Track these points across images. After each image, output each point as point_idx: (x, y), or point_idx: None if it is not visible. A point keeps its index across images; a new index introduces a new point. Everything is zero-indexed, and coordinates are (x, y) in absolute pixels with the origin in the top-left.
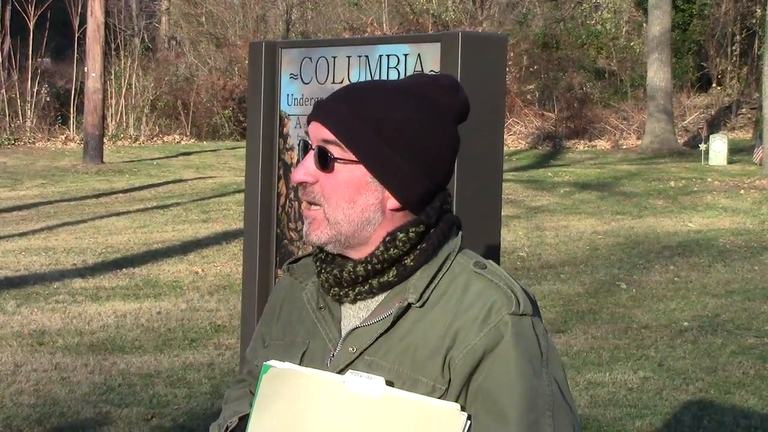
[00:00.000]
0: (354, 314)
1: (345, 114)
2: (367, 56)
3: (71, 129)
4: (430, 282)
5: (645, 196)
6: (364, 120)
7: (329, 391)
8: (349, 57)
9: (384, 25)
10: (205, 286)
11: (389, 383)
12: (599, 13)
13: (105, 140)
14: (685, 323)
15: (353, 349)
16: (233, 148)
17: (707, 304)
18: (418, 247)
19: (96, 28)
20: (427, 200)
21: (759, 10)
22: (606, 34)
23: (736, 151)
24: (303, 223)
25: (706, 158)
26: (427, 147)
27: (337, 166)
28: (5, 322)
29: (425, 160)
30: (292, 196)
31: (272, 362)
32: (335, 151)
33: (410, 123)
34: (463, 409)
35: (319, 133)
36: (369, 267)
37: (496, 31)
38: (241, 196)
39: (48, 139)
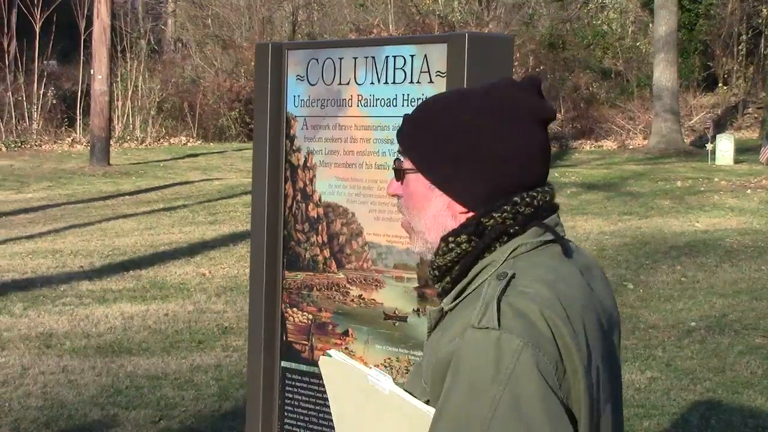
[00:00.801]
0: None
1: (406, 126)
2: (373, 57)
3: (78, 131)
4: (463, 290)
5: (652, 196)
6: (420, 130)
7: (361, 383)
8: (355, 58)
9: (390, 26)
10: (212, 288)
11: (408, 392)
12: (605, 13)
13: (111, 142)
14: (693, 323)
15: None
16: (240, 150)
17: (714, 304)
18: (465, 255)
19: (102, 30)
20: (503, 200)
21: (765, 10)
22: (612, 34)
23: (743, 151)
24: (308, 226)
25: (713, 158)
26: (489, 150)
27: (406, 176)
28: (13, 324)
29: (487, 163)
30: (299, 197)
31: (331, 351)
32: (404, 163)
33: (467, 127)
34: None
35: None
36: (430, 272)
37: (503, 32)
38: (247, 198)
39: (54, 142)
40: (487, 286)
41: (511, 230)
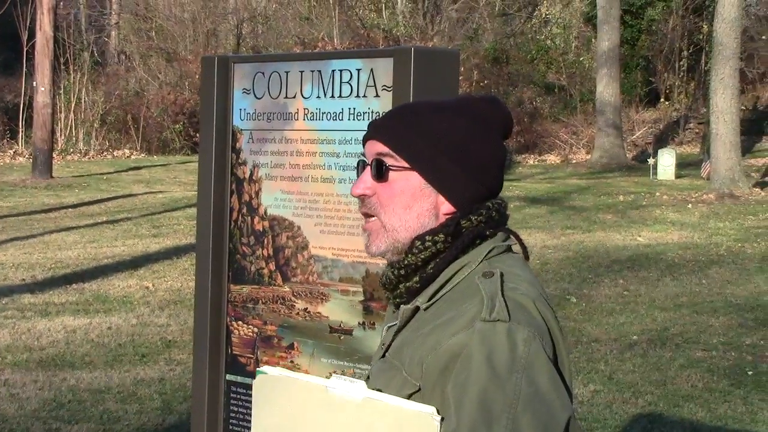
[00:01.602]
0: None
1: (396, 127)
2: (320, 71)
3: (20, 143)
4: (440, 288)
5: (594, 211)
6: (414, 130)
7: (315, 396)
8: (302, 72)
9: (335, 39)
10: (156, 301)
11: (376, 389)
12: (549, 28)
13: (54, 155)
14: (635, 337)
15: (383, 345)
16: (184, 163)
17: (656, 317)
18: (441, 255)
19: (45, 42)
20: (479, 204)
21: (706, 26)
22: (555, 49)
23: (684, 166)
24: (253, 239)
25: (655, 173)
26: (476, 154)
27: (392, 174)
28: None
29: (474, 166)
30: (244, 210)
31: (264, 368)
32: (389, 161)
33: (459, 131)
34: (439, 412)
35: (374, 148)
36: (395, 272)
37: (447, 46)
38: (191, 211)
39: None
40: (482, 284)
41: (486, 233)
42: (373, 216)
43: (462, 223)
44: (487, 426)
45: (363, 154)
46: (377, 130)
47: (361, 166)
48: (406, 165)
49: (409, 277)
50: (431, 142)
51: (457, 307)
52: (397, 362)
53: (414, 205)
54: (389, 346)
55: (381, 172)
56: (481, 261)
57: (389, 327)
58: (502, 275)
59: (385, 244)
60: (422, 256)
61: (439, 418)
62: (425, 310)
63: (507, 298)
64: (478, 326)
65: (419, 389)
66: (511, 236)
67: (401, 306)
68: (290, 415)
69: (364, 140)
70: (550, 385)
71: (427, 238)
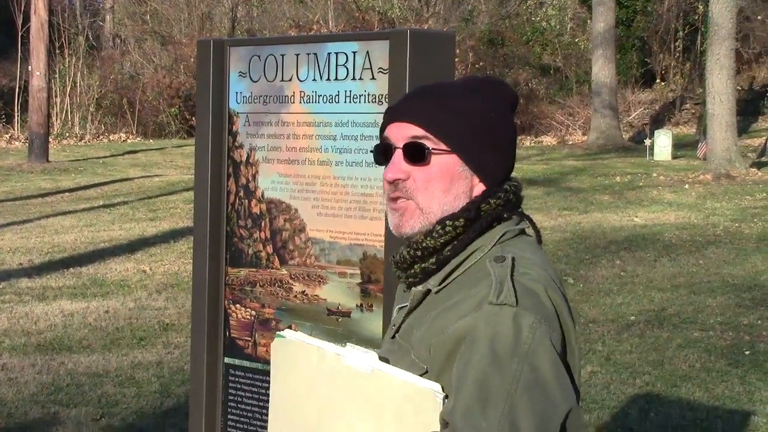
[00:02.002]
0: (410, 297)
1: (433, 109)
2: (315, 54)
3: (16, 128)
4: (453, 271)
5: (591, 192)
6: (450, 113)
7: (328, 364)
8: (297, 55)
9: (330, 22)
10: (153, 285)
11: (384, 359)
12: (544, 9)
13: (50, 139)
14: (632, 317)
15: (393, 326)
16: (180, 146)
17: (653, 298)
18: (459, 238)
19: (40, 26)
20: (497, 189)
21: (701, 7)
22: (551, 30)
23: (681, 147)
24: (250, 222)
25: (651, 153)
26: (503, 134)
27: (431, 158)
28: None
29: (503, 147)
30: (241, 194)
31: (284, 332)
32: (428, 144)
33: (487, 113)
34: (443, 390)
35: (406, 131)
36: (412, 252)
37: (442, 28)
38: (188, 195)
39: None
40: (492, 268)
41: (504, 215)
42: (408, 199)
43: (482, 207)
44: (482, 409)
45: (382, 137)
46: (410, 112)
47: (381, 151)
48: (446, 148)
49: (426, 259)
50: (468, 124)
51: (467, 291)
52: (406, 344)
53: (452, 187)
54: (399, 327)
55: (422, 155)
56: (494, 245)
57: (400, 308)
58: (513, 260)
59: (419, 224)
60: (441, 240)
61: (442, 395)
62: (436, 293)
63: (516, 283)
64: (484, 309)
65: (426, 371)
66: (524, 219)
67: (413, 288)
68: (305, 379)
69: (390, 122)
70: (552, 373)
71: (447, 222)
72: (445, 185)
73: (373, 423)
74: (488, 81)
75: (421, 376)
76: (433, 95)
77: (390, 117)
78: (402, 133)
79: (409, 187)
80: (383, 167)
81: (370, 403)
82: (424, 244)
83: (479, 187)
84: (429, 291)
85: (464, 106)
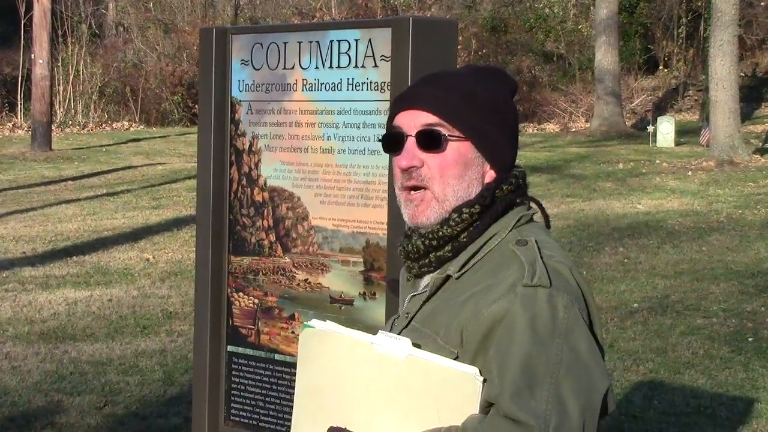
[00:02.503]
0: (423, 285)
1: (446, 97)
2: (318, 42)
3: (19, 116)
4: (472, 257)
5: (594, 179)
6: (462, 99)
7: (360, 353)
8: (300, 42)
9: (333, 10)
10: (157, 273)
11: (416, 345)
12: None
13: (53, 127)
14: (635, 304)
15: (407, 315)
16: (183, 134)
17: (656, 285)
18: (475, 224)
19: (42, 14)
20: (507, 174)
21: None
22: (554, 17)
23: (684, 133)
24: (253, 210)
25: (654, 140)
26: (510, 121)
27: (447, 145)
28: None
29: (512, 133)
30: (244, 182)
31: (312, 322)
32: (443, 131)
33: (498, 100)
34: (480, 373)
35: (418, 119)
36: (427, 242)
37: (445, 16)
38: (191, 183)
39: None
40: (519, 251)
41: (518, 200)
42: (423, 188)
43: (497, 194)
44: (530, 389)
45: (391, 126)
46: (422, 100)
47: (392, 138)
48: (460, 134)
49: (441, 247)
50: (482, 112)
51: (495, 275)
52: (428, 330)
53: (466, 174)
54: (415, 314)
55: (437, 142)
56: (511, 229)
57: (413, 296)
58: (537, 242)
59: (435, 214)
60: (458, 228)
61: (481, 378)
62: (457, 278)
63: (547, 265)
64: (520, 291)
65: (457, 356)
66: (534, 204)
67: (430, 275)
68: (335, 369)
69: (400, 110)
70: (589, 351)
71: (464, 210)
72: (459, 172)
73: (409, 409)
74: (489, 69)
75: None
76: (443, 82)
77: (400, 105)
78: (415, 120)
79: (424, 174)
80: (386, 155)
81: (405, 389)
82: (440, 233)
83: (490, 174)
84: (448, 277)
85: (475, 92)
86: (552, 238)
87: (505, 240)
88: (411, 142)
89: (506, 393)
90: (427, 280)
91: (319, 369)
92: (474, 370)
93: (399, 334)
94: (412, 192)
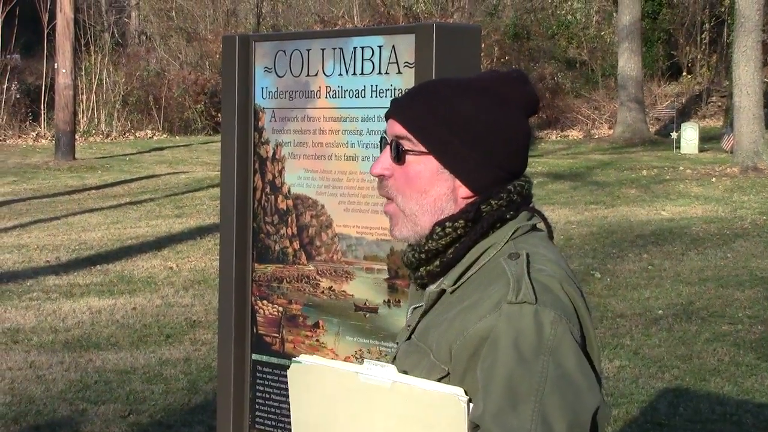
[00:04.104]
0: (425, 297)
1: (415, 109)
2: (341, 48)
3: (42, 126)
4: (467, 270)
5: (618, 186)
6: (433, 114)
7: (347, 383)
8: (323, 49)
9: (355, 17)
10: (180, 282)
11: (403, 372)
12: (569, 3)
13: (77, 136)
14: (660, 311)
15: (409, 327)
16: (206, 143)
17: (681, 292)
18: (462, 239)
19: (65, 23)
20: (499, 187)
21: None
22: (576, 23)
23: (707, 139)
24: (277, 218)
25: (678, 147)
26: (496, 137)
27: (408, 158)
28: None
29: (493, 150)
30: (268, 190)
31: (300, 357)
32: (407, 144)
33: (476, 115)
34: (466, 393)
35: (394, 128)
36: (416, 255)
37: (468, 23)
38: (214, 191)
39: (19, 136)
40: (507, 265)
41: (507, 216)
42: (391, 199)
43: (482, 208)
44: (513, 409)
45: (386, 131)
46: (397, 109)
47: (383, 144)
48: (423, 149)
49: (430, 262)
50: (448, 127)
51: (483, 290)
52: (424, 345)
53: (430, 189)
54: (415, 328)
55: (398, 155)
56: (507, 242)
57: (414, 308)
58: (528, 256)
59: (406, 228)
60: (443, 242)
61: (466, 398)
62: (451, 293)
63: (533, 280)
64: (504, 309)
65: (448, 374)
66: (536, 215)
67: (427, 288)
68: (326, 402)
69: (386, 117)
70: (578, 368)
71: (447, 224)
72: (422, 186)
73: None
74: (502, 78)
75: (441, 378)
76: (423, 94)
77: (388, 110)
78: (392, 130)
79: (389, 185)
80: None
81: (394, 416)
82: (426, 247)
83: (464, 190)
84: (443, 291)
85: (451, 107)
86: (551, 250)
87: (500, 252)
88: (386, 150)
89: (488, 413)
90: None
91: (310, 404)
92: (458, 391)
93: (402, 346)
94: (388, 204)
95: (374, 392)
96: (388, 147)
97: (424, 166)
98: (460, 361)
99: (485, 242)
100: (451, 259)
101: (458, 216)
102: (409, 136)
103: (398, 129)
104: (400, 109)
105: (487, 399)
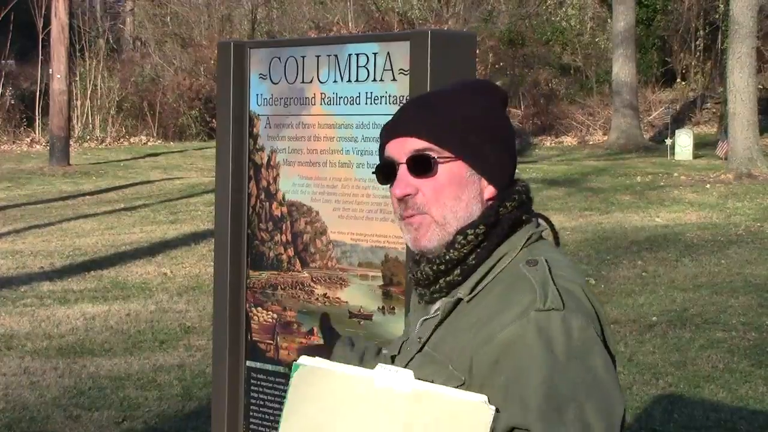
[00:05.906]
0: (434, 309)
1: (429, 119)
2: (336, 55)
3: (37, 131)
4: (481, 279)
5: (612, 192)
6: (448, 119)
7: (359, 389)
8: (318, 56)
9: (350, 23)
10: (174, 288)
11: (421, 378)
12: (564, 9)
13: (71, 142)
14: (654, 318)
15: (420, 339)
16: (200, 149)
17: (675, 298)
18: (482, 245)
19: (60, 29)
20: (511, 191)
21: (722, 5)
22: (571, 30)
23: (702, 146)
24: (272, 225)
25: (672, 153)
26: (502, 134)
27: (439, 168)
28: None
29: (505, 145)
30: (262, 196)
31: (302, 360)
32: (432, 154)
33: (485, 115)
34: (489, 401)
35: (407, 146)
36: (435, 268)
37: (462, 29)
38: (209, 197)
39: (13, 142)
40: (529, 272)
41: (524, 217)
42: (422, 214)
43: (501, 211)
44: (558, 413)
45: (385, 156)
46: (408, 126)
47: (385, 169)
48: (450, 155)
49: (450, 272)
50: (470, 128)
51: (506, 297)
52: (440, 356)
53: (462, 194)
54: (428, 339)
55: (428, 167)
56: (521, 249)
57: (425, 320)
58: (547, 262)
59: (437, 237)
60: (465, 251)
61: (493, 407)
62: (468, 302)
63: (558, 286)
64: (533, 316)
65: (464, 383)
66: (542, 221)
67: (442, 299)
68: (330, 408)
69: (388, 140)
70: (606, 370)
71: (468, 231)
72: (455, 193)
73: None
74: (475, 83)
75: (458, 387)
76: (426, 105)
77: (388, 134)
78: (404, 148)
79: (419, 201)
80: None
81: (412, 424)
82: (447, 257)
83: (489, 190)
84: (459, 300)
85: (460, 110)
86: (563, 255)
87: (515, 260)
88: (403, 170)
89: (533, 420)
90: (438, 303)
91: (309, 409)
92: (484, 398)
93: (412, 358)
94: (415, 216)
95: (391, 399)
96: (402, 166)
97: (453, 172)
98: (482, 368)
99: (501, 249)
100: (473, 266)
101: (478, 222)
102: (432, 145)
103: (415, 143)
104: (409, 124)
105: (528, 406)
